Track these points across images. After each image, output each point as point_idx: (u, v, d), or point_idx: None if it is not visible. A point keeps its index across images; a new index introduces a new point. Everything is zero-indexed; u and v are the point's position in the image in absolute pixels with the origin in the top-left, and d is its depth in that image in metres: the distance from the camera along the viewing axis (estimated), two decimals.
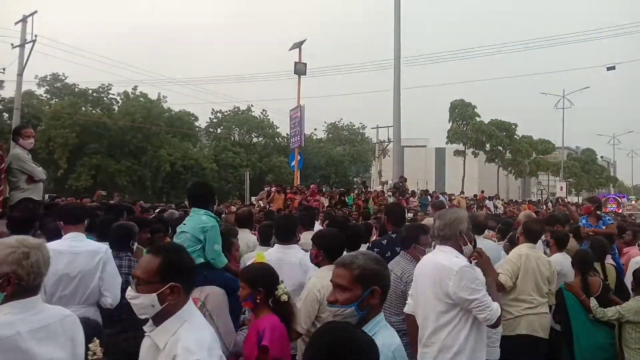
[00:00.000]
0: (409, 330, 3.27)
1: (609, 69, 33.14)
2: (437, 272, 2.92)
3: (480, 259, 3.10)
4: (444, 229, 2.98)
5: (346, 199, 16.73)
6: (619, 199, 40.75)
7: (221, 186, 37.77)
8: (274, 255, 3.98)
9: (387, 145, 38.13)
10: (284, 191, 15.77)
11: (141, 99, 34.35)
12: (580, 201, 36.61)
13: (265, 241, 4.86)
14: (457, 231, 2.95)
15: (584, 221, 6.99)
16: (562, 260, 4.84)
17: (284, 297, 2.88)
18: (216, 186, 37.11)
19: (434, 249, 3.18)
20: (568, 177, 46.36)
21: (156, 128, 33.04)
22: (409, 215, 13.67)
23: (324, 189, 21.61)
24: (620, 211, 28.70)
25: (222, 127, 43.73)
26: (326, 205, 15.03)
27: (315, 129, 48.63)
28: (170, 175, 33.85)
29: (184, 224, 3.57)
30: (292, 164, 21.21)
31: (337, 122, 51.84)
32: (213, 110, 43.35)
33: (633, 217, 18.63)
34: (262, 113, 43.56)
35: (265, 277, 2.91)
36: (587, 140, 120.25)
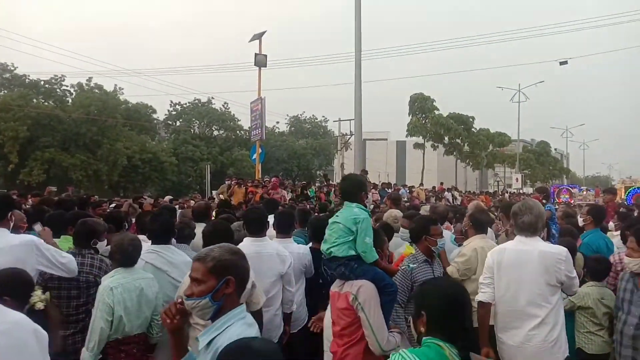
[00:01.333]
0: (480, 319, 3.42)
1: (561, 63, 34.29)
2: (546, 259, 3.32)
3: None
4: (537, 221, 3.42)
5: (308, 191, 16.74)
6: (571, 189, 42.48)
7: (181, 180, 37.08)
8: (250, 248, 3.88)
9: (349, 138, 38.37)
10: (244, 184, 15.62)
11: (96, 90, 33.23)
12: (533, 191, 37.94)
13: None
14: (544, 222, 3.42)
15: None
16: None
17: (39, 305, 2.78)
18: (175, 180, 36.46)
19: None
20: (523, 169, 47.97)
21: (112, 121, 32.05)
22: (370, 207, 13.84)
23: (286, 182, 21.52)
24: (572, 201, 29.92)
25: (181, 120, 42.86)
26: (288, 198, 14.98)
27: (278, 122, 48.46)
28: (127, 169, 32.98)
29: (337, 216, 3.25)
30: (254, 157, 21.00)
31: (299, 115, 51.76)
32: (172, 102, 42.48)
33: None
34: (223, 106, 42.99)
35: None
36: (542, 133, 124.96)
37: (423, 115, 38.73)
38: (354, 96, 19.90)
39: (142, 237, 4.43)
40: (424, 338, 1.91)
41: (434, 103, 38.92)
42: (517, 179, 41.28)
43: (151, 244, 3.93)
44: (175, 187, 35.40)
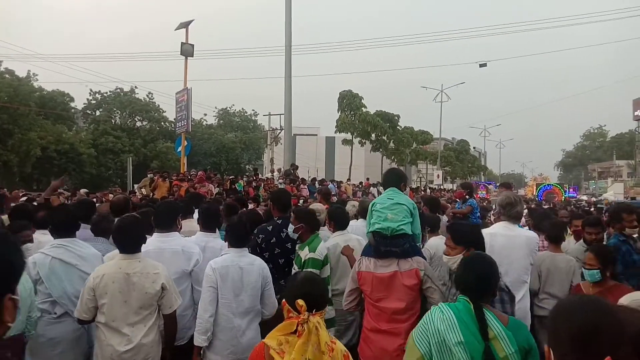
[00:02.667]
0: None
1: (481, 65, 36.21)
2: (530, 243, 4.12)
3: None
4: (522, 211, 4.31)
5: (236, 185, 16.49)
6: (488, 186, 45.26)
7: (100, 173, 35.22)
8: (154, 244, 3.85)
9: (279, 133, 38.24)
10: (168, 178, 15.12)
11: (7, 75, 30.71)
12: (455, 187, 40.07)
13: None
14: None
15: (457, 205, 7.90)
16: (437, 243, 5.07)
17: None
18: (94, 173, 34.56)
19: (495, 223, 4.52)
20: (444, 166, 50.28)
21: (25, 108, 29.77)
22: (301, 201, 13.88)
23: (213, 176, 21.03)
24: (488, 197, 31.81)
25: (101, 109, 40.65)
26: (215, 192, 14.68)
27: (206, 114, 47.36)
28: (41, 160, 30.85)
29: (391, 199, 3.52)
30: (179, 149, 20.32)
31: (228, 108, 50.82)
32: (91, 90, 40.18)
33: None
34: (147, 96, 41.25)
35: None
36: (462, 132, 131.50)
37: (351, 112, 39.36)
38: (284, 90, 19.89)
39: (41, 232, 4.18)
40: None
41: (362, 100, 39.66)
42: (438, 176, 43.25)
43: (55, 239, 3.71)
44: (94, 181, 33.59)
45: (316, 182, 20.41)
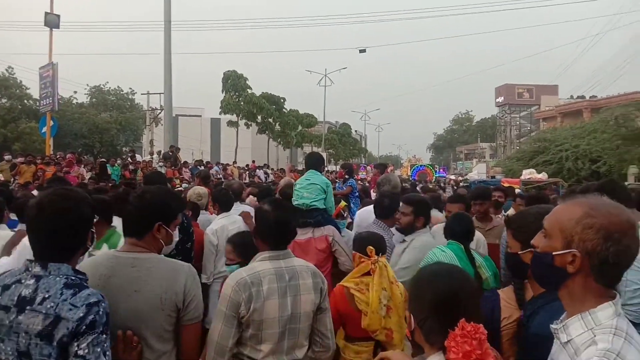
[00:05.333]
0: None
1: (361, 51, 37.63)
2: None
3: None
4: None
5: (109, 169, 15.45)
6: (368, 167, 47.55)
7: None
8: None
9: (160, 113, 36.43)
10: (33, 162, 13.74)
11: None
12: (337, 169, 41.56)
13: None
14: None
15: (338, 184, 8.29)
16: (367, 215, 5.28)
17: None
18: None
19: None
20: (328, 148, 51.75)
21: None
22: (184, 185, 13.42)
23: (84, 159, 19.46)
24: (368, 178, 33.43)
25: None
26: (87, 177, 13.65)
27: (76, 92, 43.36)
28: None
29: (308, 180, 4.45)
30: (43, 130, 18.49)
31: (102, 86, 47.10)
32: None
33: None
34: (7, 70, 36.74)
35: None
36: (344, 116, 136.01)
37: (236, 94, 38.71)
38: (163, 68, 18.94)
39: None
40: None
41: (247, 82, 39.17)
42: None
43: None
44: None
45: (201, 165, 19.88)
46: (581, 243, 1.32)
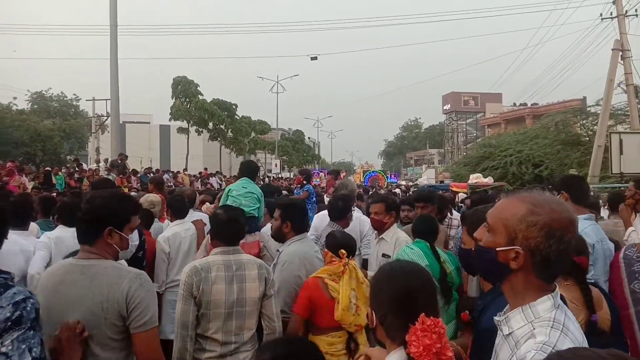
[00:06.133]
0: None
1: (312, 58, 37.84)
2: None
3: None
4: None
5: (53, 178, 14.78)
6: (322, 173, 47.80)
7: None
8: None
9: (106, 120, 35.23)
10: None
11: None
12: (292, 176, 41.58)
13: None
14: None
15: (296, 190, 8.55)
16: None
17: None
18: None
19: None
20: (282, 155, 51.74)
21: None
22: (132, 194, 13.01)
23: (26, 168, 18.52)
24: (322, 184, 33.63)
25: None
26: (30, 187, 13.01)
27: (15, 98, 41.25)
28: None
29: (245, 188, 4.67)
30: None
31: (44, 92, 45.08)
32: None
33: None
34: None
35: None
36: (297, 123, 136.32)
37: (187, 100, 37.99)
38: (110, 74, 18.35)
39: None
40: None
41: (198, 88, 38.53)
42: (276, 165, 44.38)
43: None
44: None
45: (150, 173, 19.37)
46: (524, 240, 1.34)
